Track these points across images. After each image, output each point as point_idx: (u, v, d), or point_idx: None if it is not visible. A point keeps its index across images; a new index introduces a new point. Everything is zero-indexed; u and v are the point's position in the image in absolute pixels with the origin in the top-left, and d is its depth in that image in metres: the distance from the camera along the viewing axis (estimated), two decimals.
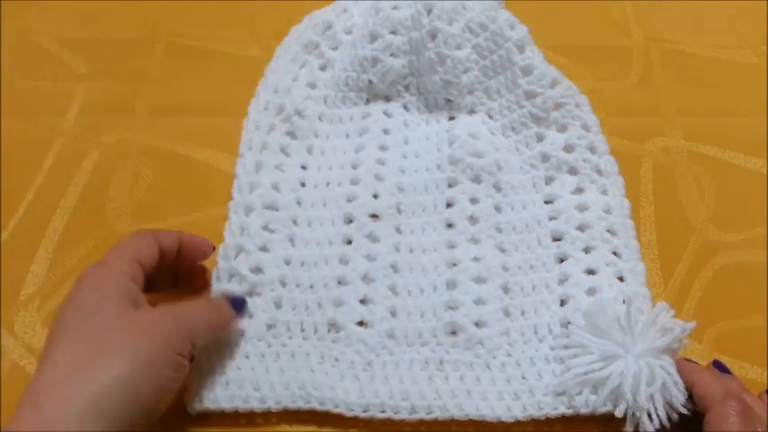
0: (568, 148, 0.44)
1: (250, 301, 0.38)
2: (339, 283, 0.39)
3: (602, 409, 0.35)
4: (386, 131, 0.45)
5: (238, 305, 0.38)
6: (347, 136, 0.45)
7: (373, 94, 0.46)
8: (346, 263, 0.40)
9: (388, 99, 0.47)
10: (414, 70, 0.46)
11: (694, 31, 0.54)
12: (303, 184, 0.43)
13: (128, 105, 0.49)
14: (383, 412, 0.36)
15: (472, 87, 0.45)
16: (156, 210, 0.44)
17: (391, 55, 0.45)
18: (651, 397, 0.33)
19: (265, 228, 0.41)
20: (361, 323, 0.38)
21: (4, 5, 0.54)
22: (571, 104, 0.44)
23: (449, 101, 0.46)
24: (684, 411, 0.34)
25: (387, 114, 0.46)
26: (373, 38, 0.45)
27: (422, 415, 0.35)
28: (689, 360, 0.36)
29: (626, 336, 0.35)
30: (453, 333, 0.38)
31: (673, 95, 0.50)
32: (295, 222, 0.42)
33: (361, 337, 0.38)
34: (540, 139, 0.44)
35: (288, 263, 0.40)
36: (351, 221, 0.42)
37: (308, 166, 0.44)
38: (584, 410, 0.35)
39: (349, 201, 0.42)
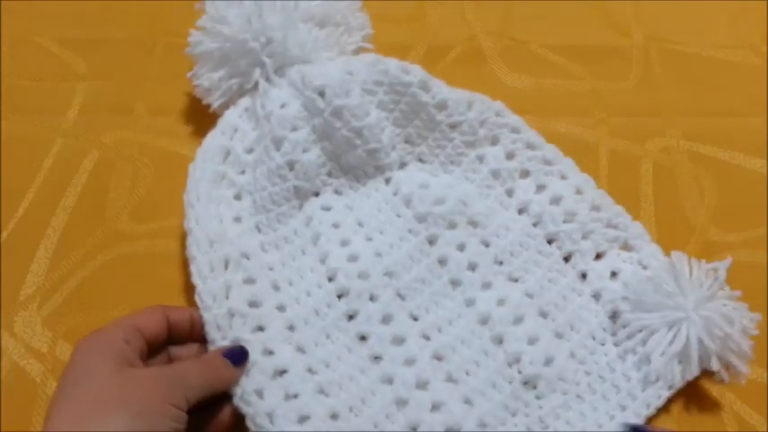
0: (510, 156, 0.43)
1: None
2: (398, 404, 0.36)
3: (697, 373, 0.36)
4: (336, 225, 0.42)
5: (238, 358, 0.36)
6: (303, 252, 0.41)
7: (302, 195, 0.42)
8: (390, 381, 0.37)
9: (317, 193, 0.43)
10: (329, 154, 0.43)
11: (694, 31, 0.54)
12: (292, 328, 0.38)
13: (128, 105, 0.49)
14: None
15: (394, 143, 0.43)
16: (156, 210, 0.44)
17: (303, 152, 0.42)
18: (729, 337, 0.35)
19: (286, 390, 0.35)
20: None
21: (4, 5, 0.54)
22: (492, 116, 0.44)
23: (376, 167, 0.43)
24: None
25: (325, 209, 0.43)
26: (278, 144, 0.41)
27: None
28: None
29: (676, 297, 0.37)
30: (533, 387, 0.37)
31: (673, 95, 0.50)
32: (311, 371, 0.36)
33: None
34: (481, 160, 0.43)
35: (322, 393, 0.36)
36: (364, 338, 0.38)
37: (285, 307, 0.39)
38: (683, 382, 0.36)
39: (351, 318, 0.39)
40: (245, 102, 0.43)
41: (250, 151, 0.42)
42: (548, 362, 0.37)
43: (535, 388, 0.37)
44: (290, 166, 0.41)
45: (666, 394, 0.36)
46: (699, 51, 0.53)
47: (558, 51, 0.52)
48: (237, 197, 0.42)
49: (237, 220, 0.41)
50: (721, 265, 0.37)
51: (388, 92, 0.42)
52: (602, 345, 0.38)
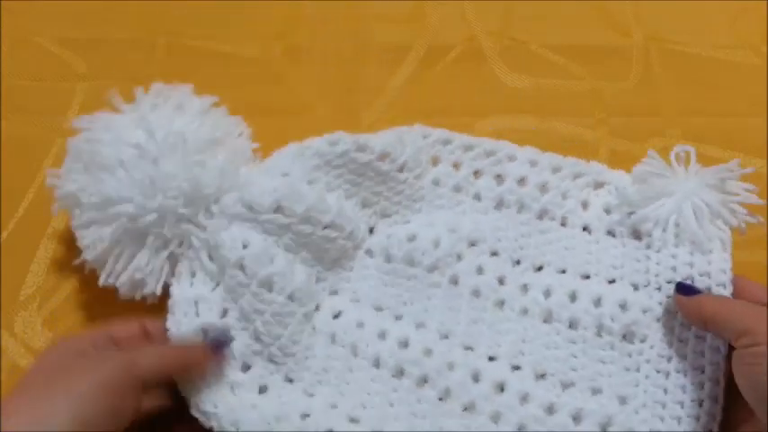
0: (456, 166, 0.43)
1: None
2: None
3: (734, 222, 0.39)
4: (360, 325, 0.39)
5: (218, 345, 0.36)
6: (351, 370, 0.38)
7: (310, 318, 0.39)
8: (525, 427, 0.36)
9: (317, 307, 0.40)
10: (311, 262, 0.39)
11: (694, 31, 0.54)
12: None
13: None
14: None
15: (357, 215, 0.41)
16: None
17: (293, 276, 0.38)
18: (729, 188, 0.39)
19: None
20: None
21: (3, 5, 0.54)
22: (421, 140, 0.42)
23: (354, 246, 0.41)
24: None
25: (337, 316, 0.39)
26: (269, 285, 0.37)
27: None
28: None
29: (669, 179, 0.40)
30: (632, 335, 0.38)
31: (673, 95, 0.50)
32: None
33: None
34: (436, 183, 0.42)
35: None
36: (469, 408, 0.37)
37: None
38: (730, 235, 0.39)
39: (443, 399, 0.37)
40: (184, 269, 0.38)
41: (224, 314, 0.37)
42: (624, 307, 0.38)
43: (634, 335, 0.38)
44: (292, 298, 0.37)
45: (726, 256, 0.38)
46: (699, 51, 0.53)
47: (558, 51, 0.52)
48: (245, 368, 0.37)
49: (263, 390, 0.37)
50: (687, 148, 0.40)
51: (328, 171, 0.40)
52: (648, 258, 0.39)
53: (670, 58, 0.52)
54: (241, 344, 0.37)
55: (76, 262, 0.39)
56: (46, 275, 0.42)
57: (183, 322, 0.36)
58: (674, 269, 0.38)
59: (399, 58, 0.52)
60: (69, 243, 0.43)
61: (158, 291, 0.38)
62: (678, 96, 0.50)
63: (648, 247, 0.40)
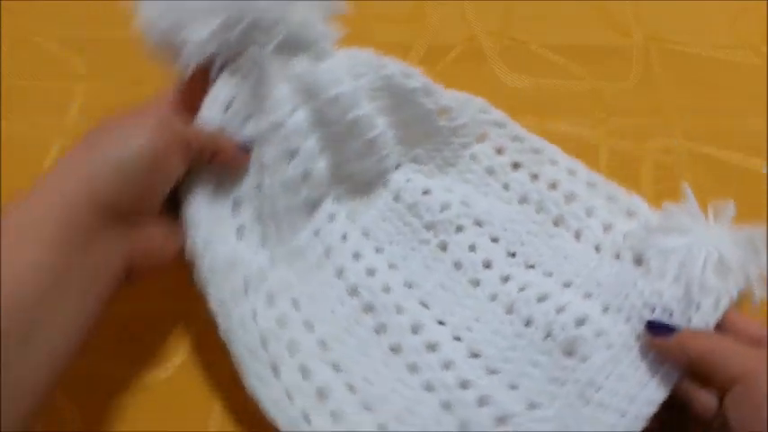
0: (499, 151, 0.43)
1: None
2: (445, 408, 0.36)
3: (741, 285, 0.36)
4: (344, 238, 0.41)
5: (244, 147, 0.38)
6: (318, 267, 0.40)
7: (310, 205, 0.40)
8: (432, 388, 0.37)
9: (315, 206, 0.41)
10: (332, 163, 0.40)
11: (694, 31, 0.54)
12: (324, 346, 0.37)
13: (128, 105, 0.49)
14: None
15: (392, 149, 0.42)
16: None
17: (314, 162, 0.40)
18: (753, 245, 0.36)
19: (333, 411, 0.35)
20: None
21: (3, 5, 0.54)
22: (478, 113, 0.43)
23: (377, 172, 0.42)
24: None
25: (330, 219, 0.41)
26: (292, 155, 0.38)
27: None
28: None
29: (691, 220, 0.37)
30: (574, 351, 0.36)
31: (673, 95, 0.50)
32: (352, 390, 0.36)
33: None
34: (474, 159, 0.43)
35: (369, 410, 0.36)
36: (396, 350, 0.38)
37: (312, 325, 0.37)
38: (729, 299, 0.35)
39: (379, 331, 0.38)
40: (223, 93, 0.37)
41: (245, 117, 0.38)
42: (580, 322, 0.37)
43: (576, 351, 0.36)
44: (304, 177, 0.39)
45: (715, 315, 0.35)
46: (699, 51, 0.53)
47: (558, 51, 0.52)
48: (237, 204, 0.38)
49: (240, 233, 0.38)
50: (727, 203, 0.37)
51: (387, 96, 0.40)
52: (635, 286, 0.37)
53: (670, 58, 0.52)
54: (244, 189, 0.38)
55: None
56: None
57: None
58: (652, 309, 0.36)
59: (399, 58, 0.52)
60: None
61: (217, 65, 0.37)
62: (678, 96, 0.50)
63: (644, 275, 0.37)
